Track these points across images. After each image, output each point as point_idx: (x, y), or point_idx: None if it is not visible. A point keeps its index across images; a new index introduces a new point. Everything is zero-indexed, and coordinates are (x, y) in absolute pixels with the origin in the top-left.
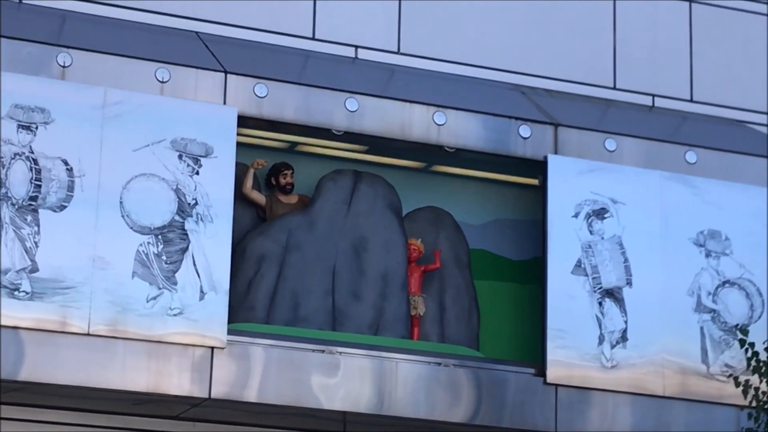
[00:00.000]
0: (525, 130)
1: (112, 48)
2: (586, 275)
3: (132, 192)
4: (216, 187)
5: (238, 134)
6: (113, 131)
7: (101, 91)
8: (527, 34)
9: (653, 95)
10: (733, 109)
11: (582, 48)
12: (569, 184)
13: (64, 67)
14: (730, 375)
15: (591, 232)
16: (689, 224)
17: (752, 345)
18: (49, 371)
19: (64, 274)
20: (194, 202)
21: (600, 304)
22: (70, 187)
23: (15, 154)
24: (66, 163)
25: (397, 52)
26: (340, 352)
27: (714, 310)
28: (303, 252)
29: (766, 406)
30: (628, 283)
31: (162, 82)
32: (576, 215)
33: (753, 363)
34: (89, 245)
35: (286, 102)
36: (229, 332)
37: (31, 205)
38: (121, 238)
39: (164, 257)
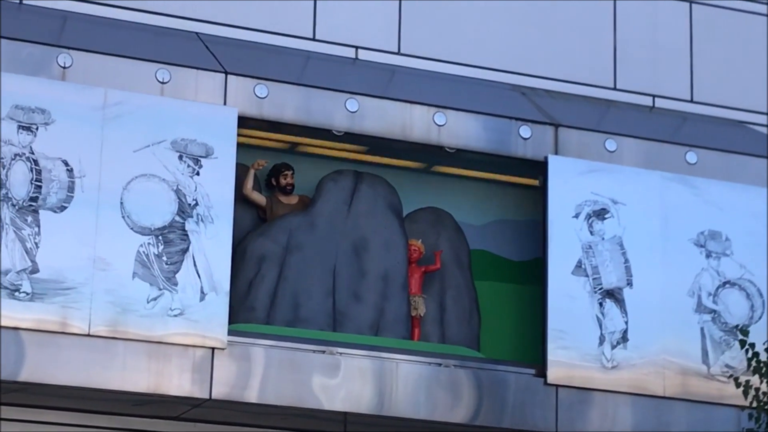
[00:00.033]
0: (525, 131)
1: (113, 49)
2: (587, 276)
3: (132, 193)
4: (216, 187)
5: (239, 135)
6: (113, 132)
7: (101, 92)
8: (527, 35)
9: (653, 96)
10: (734, 110)
11: (582, 48)
12: (570, 184)
13: (64, 67)
14: (731, 375)
15: (591, 233)
16: (690, 225)
17: (752, 345)
18: (49, 372)
19: (65, 274)
20: (194, 202)
21: (600, 304)
22: (71, 188)
23: (15, 155)
24: (66, 163)
25: (398, 53)
26: (341, 353)
27: (714, 311)
28: (303, 253)
29: (766, 407)
30: (628, 284)
31: (162, 82)
32: (576, 216)
33: (753, 364)
34: (89, 246)
35: (286, 102)
36: (230, 333)
37: (31, 205)
38: (121, 238)
39: (165, 258)
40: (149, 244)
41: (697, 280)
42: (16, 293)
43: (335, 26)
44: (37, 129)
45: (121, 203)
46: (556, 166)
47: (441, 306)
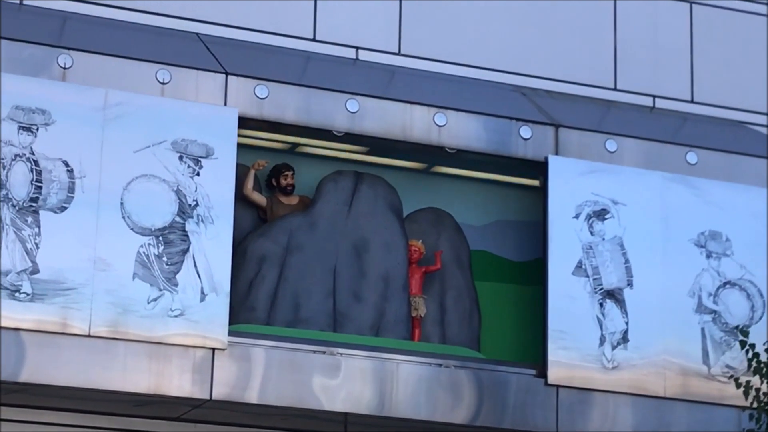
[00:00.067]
0: (526, 131)
1: (113, 49)
2: (587, 276)
3: (133, 193)
4: (217, 188)
5: (239, 135)
6: (114, 132)
7: (102, 93)
8: (528, 35)
9: (654, 96)
10: (734, 110)
11: (583, 49)
12: (570, 185)
13: (64, 68)
14: (731, 376)
15: (592, 233)
16: (690, 225)
17: (753, 346)
18: (49, 372)
19: (65, 275)
20: (195, 203)
21: (601, 305)
22: (71, 189)
23: (16, 156)
24: (67, 164)
25: (398, 54)
26: (341, 354)
27: (715, 311)
28: (304, 253)
29: (767, 407)
30: (629, 284)
31: (163, 83)
32: (577, 216)
33: (754, 364)
34: (90, 246)
35: (286, 103)
36: (230, 333)
37: (31, 206)
38: (121, 239)
39: (165, 258)
40: (149, 244)
41: (698, 281)
42: (17, 294)
43: (335, 27)
44: (37, 129)
45: (122, 204)
46: (556, 166)
47: (441, 306)
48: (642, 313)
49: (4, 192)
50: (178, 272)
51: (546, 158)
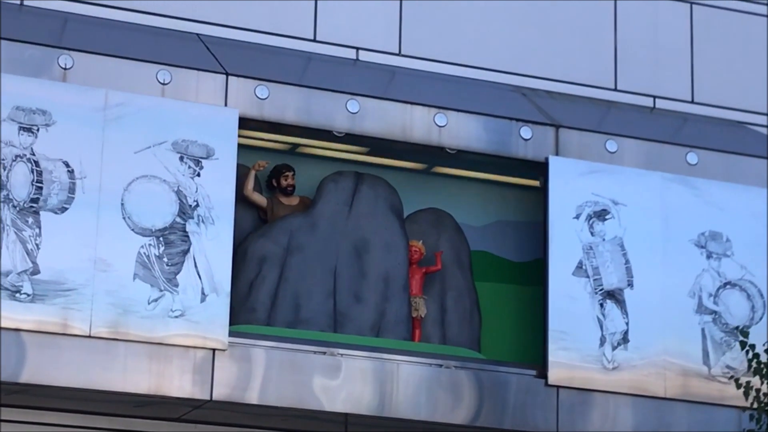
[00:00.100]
0: (526, 132)
1: (114, 50)
2: (588, 277)
3: (133, 194)
4: (217, 188)
5: (239, 136)
6: (114, 133)
7: (102, 93)
8: (528, 36)
9: (654, 96)
10: (734, 111)
11: (583, 49)
12: (570, 185)
13: (65, 69)
14: (732, 376)
15: (592, 234)
16: (690, 225)
17: (753, 347)
18: (50, 373)
19: (66, 276)
20: (195, 203)
21: (601, 305)
22: (72, 189)
23: (16, 156)
24: (67, 165)
25: (398, 54)
26: (342, 354)
27: (715, 312)
28: (304, 254)
29: (767, 408)
30: (629, 285)
31: (163, 83)
32: (577, 217)
33: (754, 365)
34: (90, 247)
35: (287, 104)
36: (231, 334)
37: (32, 207)
38: (122, 240)
39: (165, 259)
40: (150, 245)
41: (698, 281)
42: (17, 294)
43: (336, 27)
44: (38, 130)
45: (122, 204)
46: (556, 166)
47: (442, 307)
48: (642, 313)
49: (4, 193)
50: (178, 273)
51: (546, 159)
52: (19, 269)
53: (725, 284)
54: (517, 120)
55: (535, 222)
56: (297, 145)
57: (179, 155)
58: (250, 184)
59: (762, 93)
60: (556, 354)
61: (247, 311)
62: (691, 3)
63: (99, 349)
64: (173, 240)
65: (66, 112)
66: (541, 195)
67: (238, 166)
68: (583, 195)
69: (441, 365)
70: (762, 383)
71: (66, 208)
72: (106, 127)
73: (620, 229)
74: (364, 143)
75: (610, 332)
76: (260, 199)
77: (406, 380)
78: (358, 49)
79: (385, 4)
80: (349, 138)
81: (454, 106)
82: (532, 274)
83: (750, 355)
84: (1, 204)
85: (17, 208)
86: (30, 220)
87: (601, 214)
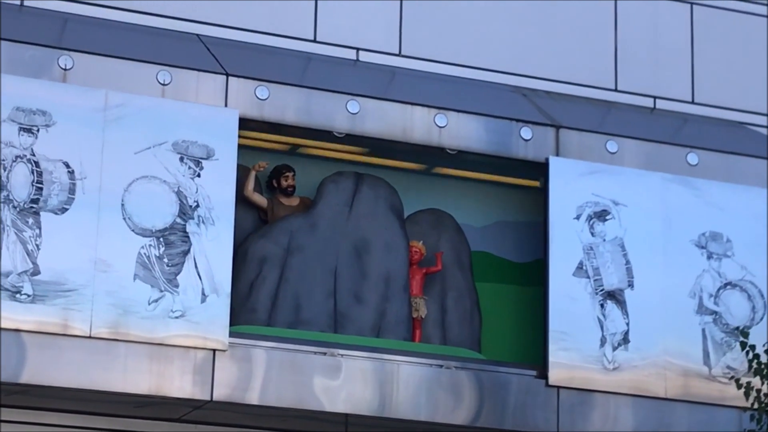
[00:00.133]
0: (526, 132)
1: (114, 50)
2: (588, 277)
3: (133, 194)
4: (217, 189)
5: (240, 136)
6: (114, 134)
7: (102, 94)
8: (528, 36)
9: (654, 97)
10: (734, 111)
11: (583, 50)
12: (571, 186)
13: (65, 69)
14: (732, 377)
15: (592, 234)
16: (691, 226)
17: (753, 347)
18: (50, 374)
19: (66, 276)
20: (195, 204)
21: (602, 306)
22: (72, 190)
23: (16, 157)
24: (67, 165)
25: (399, 55)
26: (342, 355)
27: (716, 312)
28: (304, 254)
29: (767, 408)
30: (629, 285)
31: (163, 84)
32: (577, 217)
33: (754, 365)
34: (91, 248)
35: (287, 104)
36: (231, 335)
37: (32, 207)
38: (122, 240)
39: (166, 260)
40: (150, 245)
41: (699, 282)
42: (17, 295)
43: (336, 28)
44: (38, 131)
45: (122, 205)
46: (557, 167)
47: (442, 307)
48: (643, 314)
49: (5, 193)
50: (178, 273)
51: (546, 159)
52: (20, 270)
53: (726, 285)
54: (518, 120)
55: (536, 222)
56: (297, 146)
57: (179, 156)
58: (251, 184)
59: (762, 93)
60: (556, 354)
61: (248, 312)
62: (692, 3)
63: (99, 350)
64: (173, 240)
65: (66, 113)
66: (542, 195)
67: (239, 166)
68: (584, 195)
69: (441, 366)
70: (762, 384)
71: (66, 209)
72: (107, 128)
73: (621, 229)
74: (365, 144)
75: (611, 333)
76: (260, 200)
77: (407, 381)
78: (358, 49)
79: (386, 5)
80: (350, 138)
81: (454, 107)
82: (533, 275)
83: (750, 355)
84: (2, 205)
85: (17, 209)
86: (30, 220)
87: (602, 215)
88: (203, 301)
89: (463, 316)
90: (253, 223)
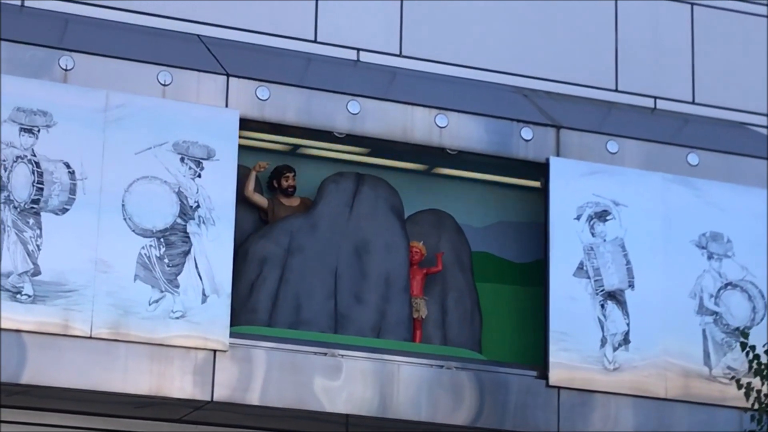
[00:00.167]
0: (527, 133)
1: (114, 51)
2: (588, 277)
3: (134, 195)
4: (218, 189)
5: (240, 137)
6: (115, 134)
7: (103, 94)
8: (529, 37)
9: (655, 97)
10: (735, 111)
11: (584, 50)
12: (571, 186)
13: (66, 70)
14: (733, 377)
15: (593, 235)
16: (691, 226)
17: (753, 348)
18: (51, 374)
19: (66, 277)
20: (196, 204)
21: (602, 306)
22: (72, 190)
23: (17, 157)
24: (68, 166)
25: (399, 55)
26: (342, 355)
27: (716, 313)
28: (305, 254)
29: None
30: (630, 286)
31: (164, 85)
32: (578, 217)
33: (754, 366)
34: (91, 248)
35: (288, 104)
36: (232, 335)
37: (33, 208)
38: (123, 241)
39: (166, 260)
40: (151, 246)
41: (699, 282)
42: (18, 295)
43: (337, 28)
44: (38, 131)
45: (123, 205)
46: (557, 167)
47: (442, 308)
48: (643, 314)
49: (5, 194)
50: (179, 274)
51: (547, 159)
52: (20, 270)
53: (726, 285)
54: (518, 121)
55: (536, 223)
56: (298, 146)
57: (180, 156)
58: (251, 185)
59: (762, 94)
60: (556, 355)
61: (248, 312)
62: (692, 4)
63: (100, 350)
64: (174, 241)
65: (67, 113)
66: (542, 196)
67: (239, 167)
68: (584, 196)
69: (442, 366)
70: (762, 384)
71: (67, 209)
72: (107, 128)
73: (621, 229)
74: (365, 144)
75: (611, 333)
76: (261, 200)
77: (407, 381)
78: (358, 50)
79: (386, 5)
80: (350, 139)
81: (454, 107)
82: (533, 275)
83: (750, 356)
84: (2, 205)
85: (18, 209)
86: (31, 221)
87: (602, 215)
88: (204, 301)
89: (463, 316)
90: (253, 223)
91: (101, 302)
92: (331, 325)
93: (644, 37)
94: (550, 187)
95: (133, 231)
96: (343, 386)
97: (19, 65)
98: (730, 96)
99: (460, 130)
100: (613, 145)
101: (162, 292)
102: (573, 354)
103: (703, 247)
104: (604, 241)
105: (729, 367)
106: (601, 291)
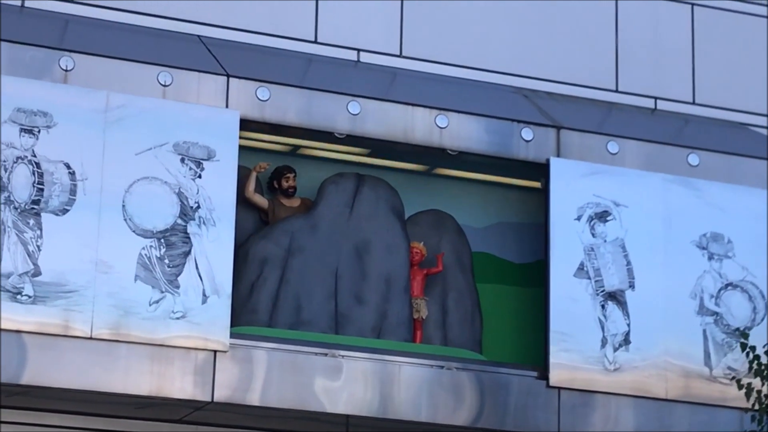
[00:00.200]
0: (527, 133)
1: (115, 52)
2: (589, 278)
3: (134, 195)
4: (218, 190)
5: (241, 137)
6: (115, 135)
7: (103, 95)
8: (529, 37)
9: (655, 98)
10: (735, 112)
11: (584, 51)
12: (572, 186)
13: (66, 70)
14: (733, 377)
15: (593, 235)
16: (692, 227)
17: (753, 348)
18: (51, 375)
19: (67, 277)
20: (197, 205)
21: (603, 306)
22: (73, 191)
23: (17, 158)
24: (68, 166)
25: (399, 56)
26: (343, 356)
27: (717, 313)
28: (305, 255)
29: None
30: (630, 286)
31: (164, 85)
32: (578, 218)
33: (754, 366)
34: (92, 249)
35: (288, 105)
36: (232, 336)
37: (33, 208)
38: (123, 241)
39: (167, 261)
40: (151, 246)
41: (699, 282)
42: (18, 296)
43: (337, 29)
44: (39, 132)
45: (123, 206)
46: (558, 168)
47: (443, 308)
48: (644, 314)
49: (5, 194)
50: (179, 274)
51: (547, 160)
52: (21, 271)
53: (726, 285)
54: (519, 121)
55: (537, 223)
56: (298, 147)
57: (180, 157)
58: (252, 185)
59: (763, 94)
60: (557, 355)
61: (249, 313)
62: (692, 4)
63: (100, 351)
64: (174, 242)
65: (67, 114)
66: (543, 196)
67: (239, 167)
68: (585, 196)
69: (442, 367)
70: (763, 385)
71: (67, 210)
72: (107, 129)
73: (621, 230)
74: (365, 145)
75: (612, 333)
76: (261, 201)
77: (408, 382)
78: (359, 50)
79: (386, 6)
80: (350, 139)
81: (455, 108)
82: (534, 276)
83: (750, 356)
84: (3, 206)
85: (18, 210)
86: (31, 221)
87: (603, 216)
88: (204, 302)
89: (463, 317)
90: (253, 224)
91: (102, 303)
92: (332, 326)
93: (644, 38)
94: (551, 188)
95: (134, 232)
96: (344, 387)
97: (19, 66)
98: (730, 96)
99: (460, 131)
100: (613, 146)
101: (162, 292)
102: (573, 354)
103: (703, 248)
104: (605, 241)
105: (729, 368)
106: (602, 291)
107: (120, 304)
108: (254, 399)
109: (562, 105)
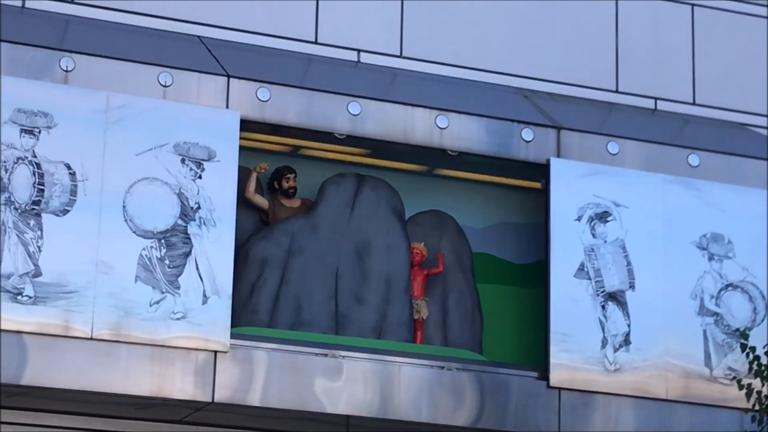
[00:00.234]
0: (527, 134)
1: (115, 52)
2: (589, 279)
3: (135, 196)
4: (219, 190)
5: (241, 138)
6: (116, 135)
7: (104, 96)
8: (530, 38)
9: (656, 98)
10: (736, 112)
11: (584, 51)
12: (572, 187)
13: (66, 71)
14: (734, 378)
15: (594, 236)
16: (692, 227)
17: (753, 349)
18: (52, 375)
19: (67, 278)
20: (197, 206)
21: (603, 307)
22: (73, 192)
23: (18, 159)
24: (69, 167)
25: (400, 56)
26: (343, 356)
27: (717, 314)
28: (306, 256)
29: None
30: (631, 287)
31: (165, 86)
32: (579, 218)
33: (754, 367)
34: (92, 249)
35: (288, 106)
36: (232, 336)
37: (34, 209)
38: (124, 242)
39: (167, 261)
40: (152, 247)
41: (700, 283)
42: (19, 297)
43: (337, 29)
44: (39, 132)
45: (124, 207)
46: (558, 168)
47: (443, 309)
48: (644, 315)
49: (6, 195)
50: (180, 275)
51: (548, 160)
52: (21, 271)
53: (727, 286)
54: (519, 122)
55: (537, 224)
56: (298, 147)
57: (181, 157)
58: (252, 186)
59: (763, 95)
60: (557, 356)
61: (249, 313)
62: (693, 4)
63: (100, 352)
64: (175, 242)
65: (67, 115)
66: (543, 197)
67: (240, 168)
68: (585, 197)
69: (442, 367)
70: (763, 385)
71: (68, 211)
72: (108, 130)
73: (622, 230)
74: (366, 145)
75: (612, 334)
76: (262, 201)
77: (408, 382)
78: (359, 51)
79: (387, 6)
80: (351, 140)
81: (455, 108)
82: (534, 276)
83: (751, 357)
84: (3, 206)
85: (19, 211)
86: (32, 222)
87: (603, 216)
88: (204, 302)
89: (464, 317)
90: (254, 224)
91: (102, 303)
92: (332, 326)
93: (645, 38)
94: (551, 188)
95: (134, 232)
96: (344, 387)
97: (19, 66)
98: (730, 97)
99: (460, 131)
100: (613, 146)
101: (163, 293)
102: (574, 355)
103: (703, 248)
104: (605, 242)
105: (730, 368)
106: (602, 292)
107: (120, 304)
108: (255, 399)
109: (562, 105)
